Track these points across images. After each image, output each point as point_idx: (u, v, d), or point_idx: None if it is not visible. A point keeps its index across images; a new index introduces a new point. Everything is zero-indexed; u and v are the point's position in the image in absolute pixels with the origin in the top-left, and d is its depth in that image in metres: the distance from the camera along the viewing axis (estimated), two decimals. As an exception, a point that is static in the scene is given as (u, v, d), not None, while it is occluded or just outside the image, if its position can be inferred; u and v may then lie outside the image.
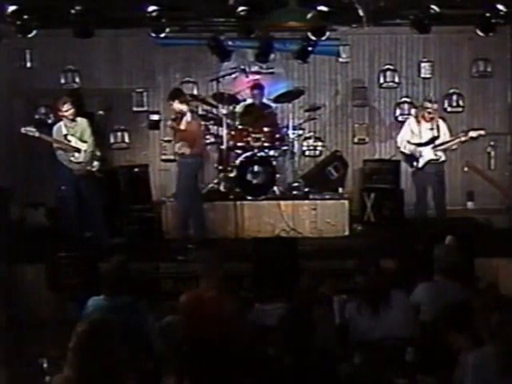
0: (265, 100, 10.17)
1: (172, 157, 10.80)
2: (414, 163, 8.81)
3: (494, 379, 3.47)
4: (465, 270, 6.32)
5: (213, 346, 4.67)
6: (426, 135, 8.72)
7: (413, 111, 10.67)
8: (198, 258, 5.35)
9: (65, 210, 8.61)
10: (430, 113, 8.70)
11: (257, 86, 10.08)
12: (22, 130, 8.16)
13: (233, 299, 5.01)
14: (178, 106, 8.31)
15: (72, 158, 8.28)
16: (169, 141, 10.51)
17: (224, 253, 6.25)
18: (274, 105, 10.16)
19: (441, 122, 8.82)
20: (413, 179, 9.11)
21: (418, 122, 8.79)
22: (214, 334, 4.72)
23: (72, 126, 8.30)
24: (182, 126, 8.33)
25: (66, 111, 8.20)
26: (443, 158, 8.81)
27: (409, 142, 8.78)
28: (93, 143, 8.35)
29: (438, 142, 8.68)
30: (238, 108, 10.01)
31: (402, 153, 9.02)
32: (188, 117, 8.33)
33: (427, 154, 8.70)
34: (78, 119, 8.34)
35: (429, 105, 8.82)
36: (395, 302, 4.83)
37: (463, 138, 8.70)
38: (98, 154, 8.50)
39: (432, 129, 8.71)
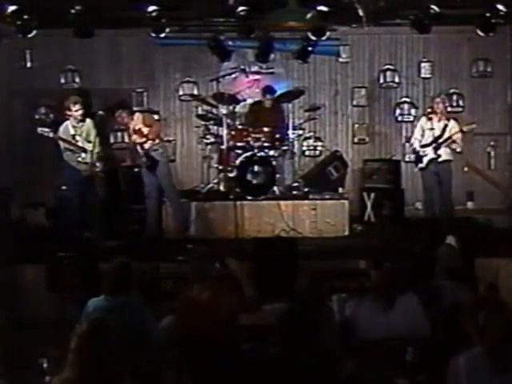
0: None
1: (172, 157, 10.87)
2: (419, 163, 8.91)
3: (486, 380, 3.47)
4: (465, 270, 6.33)
5: (211, 346, 4.67)
6: (432, 135, 8.79)
7: (420, 111, 10.76)
8: (193, 258, 5.33)
9: (65, 210, 8.63)
10: (436, 113, 8.82)
11: (268, 90, 9.94)
12: (39, 130, 8.23)
13: (228, 299, 5.00)
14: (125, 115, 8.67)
15: (79, 159, 8.29)
16: (168, 141, 10.53)
17: (220, 252, 6.23)
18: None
19: (451, 123, 8.84)
20: (421, 179, 9.19)
21: (429, 120, 8.89)
22: (212, 335, 4.72)
23: (79, 127, 8.31)
24: (138, 125, 8.64)
25: (76, 111, 8.22)
26: (446, 157, 8.83)
27: (418, 142, 8.93)
28: (98, 143, 8.37)
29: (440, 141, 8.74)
30: (239, 108, 10.02)
31: (413, 152, 9.16)
32: (138, 115, 8.75)
33: (430, 153, 8.78)
34: (86, 120, 8.36)
35: (435, 106, 8.91)
36: (400, 301, 4.82)
37: (455, 136, 8.72)
38: (101, 154, 8.51)
39: (439, 128, 8.77)
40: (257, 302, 5.17)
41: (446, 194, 8.97)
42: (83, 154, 8.28)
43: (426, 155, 8.83)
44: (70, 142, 8.22)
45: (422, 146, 8.87)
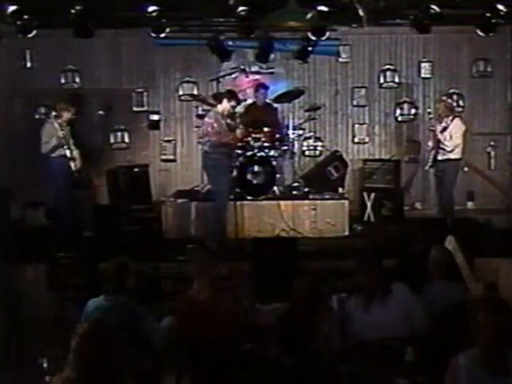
0: (267, 100, 10.14)
1: (172, 157, 10.88)
2: (428, 162, 9.11)
3: (485, 380, 3.46)
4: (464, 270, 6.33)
5: (211, 346, 4.67)
6: (436, 136, 8.92)
7: (420, 111, 10.96)
8: (192, 257, 5.34)
9: (64, 210, 8.65)
10: (439, 115, 8.98)
11: (261, 86, 9.98)
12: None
13: (228, 299, 5.00)
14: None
15: (63, 153, 8.36)
16: (168, 141, 10.53)
17: (219, 252, 6.25)
18: (275, 104, 10.15)
19: (455, 122, 8.89)
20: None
21: (438, 121, 9.04)
22: (212, 335, 4.72)
23: (65, 125, 8.41)
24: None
25: (65, 118, 8.37)
26: (447, 157, 8.87)
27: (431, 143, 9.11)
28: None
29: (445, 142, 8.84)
30: (239, 108, 10.01)
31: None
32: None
33: (433, 153, 8.95)
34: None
35: (437, 105, 9.24)
36: (395, 299, 4.82)
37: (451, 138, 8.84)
38: (76, 155, 8.54)
39: (440, 129, 8.88)
40: (254, 312, 5.20)
41: (447, 194, 9.02)
42: (68, 151, 8.31)
43: (432, 155, 8.96)
44: (58, 136, 8.29)
45: (432, 148, 8.99)
